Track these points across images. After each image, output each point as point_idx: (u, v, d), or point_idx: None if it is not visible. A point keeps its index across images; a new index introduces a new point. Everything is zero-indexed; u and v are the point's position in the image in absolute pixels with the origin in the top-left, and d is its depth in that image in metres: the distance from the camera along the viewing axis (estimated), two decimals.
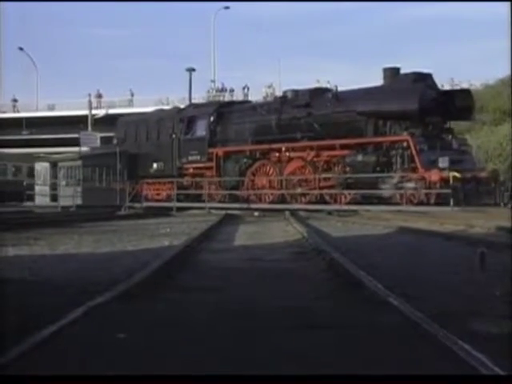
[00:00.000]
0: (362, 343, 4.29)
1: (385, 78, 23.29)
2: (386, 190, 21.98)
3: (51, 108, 64.22)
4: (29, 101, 66.46)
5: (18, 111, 63.59)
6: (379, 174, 21.87)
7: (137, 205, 29.54)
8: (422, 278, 7.14)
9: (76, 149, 46.52)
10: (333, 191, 23.44)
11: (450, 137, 22.90)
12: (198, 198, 28.27)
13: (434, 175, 20.57)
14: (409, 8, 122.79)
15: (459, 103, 22.66)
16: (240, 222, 19.31)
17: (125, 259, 9.02)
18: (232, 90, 58.04)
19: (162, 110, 35.61)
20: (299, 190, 24.67)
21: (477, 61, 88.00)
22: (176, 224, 18.16)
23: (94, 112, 55.17)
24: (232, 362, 3.82)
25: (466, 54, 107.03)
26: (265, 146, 25.86)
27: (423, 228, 14.48)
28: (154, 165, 30.52)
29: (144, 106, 60.10)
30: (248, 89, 55.77)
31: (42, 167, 36.77)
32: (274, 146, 25.44)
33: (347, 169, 23.03)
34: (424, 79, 22.44)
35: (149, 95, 61.56)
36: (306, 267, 8.25)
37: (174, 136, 29.50)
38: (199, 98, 56.11)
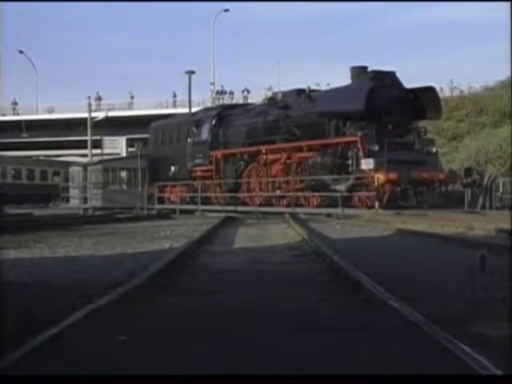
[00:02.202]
0: (362, 346, 4.29)
1: (352, 77, 22.93)
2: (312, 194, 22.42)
3: (51, 111, 64.26)
4: (29, 103, 66.59)
5: (18, 114, 63.62)
6: (326, 176, 21.96)
7: (157, 206, 30.54)
8: (422, 281, 7.14)
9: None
10: (303, 193, 23.66)
11: (414, 137, 22.60)
12: (206, 201, 28.64)
13: (381, 176, 20.50)
14: (409, 11, 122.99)
15: (425, 102, 22.36)
16: (240, 225, 19.31)
17: (125, 262, 9.02)
18: (232, 93, 58.09)
19: (181, 115, 36.61)
20: (278, 193, 24.81)
21: (476, 64, 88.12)
22: (177, 226, 18.16)
23: (93, 115, 55.12)
24: (232, 365, 3.82)
25: (465, 57, 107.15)
26: (253, 149, 26.09)
27: (423, 230, 14.46)
28: (172, 168, 31.38)
29: (144, 109, 60.24)
30: (248, 91, 55.84)
31: (75, 171, 38.36)
32: (261, 148, 25.67)
33: (311, 171, 23.08)
34: (382, 78, 22.02)
35: (149, 98, 61.72)
36: (306, 269, 8.25)
37: (188, 140, 30.04)
38: (199, 100, 56.11)
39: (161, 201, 31.56)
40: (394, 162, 20.88)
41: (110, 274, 7.73)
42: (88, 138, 53.34)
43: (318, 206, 22.82)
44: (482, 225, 14.70)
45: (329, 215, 21.63)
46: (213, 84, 60.47)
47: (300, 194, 23.76)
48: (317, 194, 23.00)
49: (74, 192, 36.93)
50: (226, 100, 55.75)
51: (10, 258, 9.77)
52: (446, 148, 34.85)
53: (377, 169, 20.50)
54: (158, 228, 17.23)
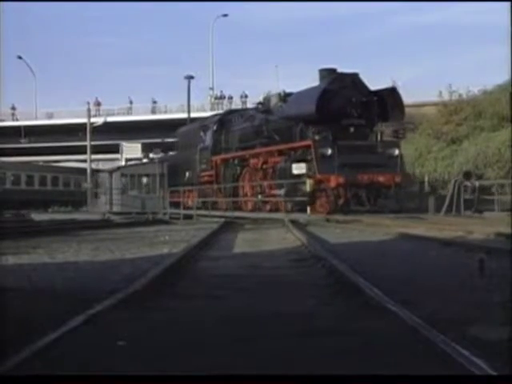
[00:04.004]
0: (361, 349, 4.29)
1: (320, 79, 22.69)
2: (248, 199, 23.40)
3: (50, 116, 64.26)
4: (27, 109, 66.62)
5: (17, 119, 63.60)
6: (273, 181, 22.22)
7: (169, 211, 31.06)
8: (421, 284, 7.14)
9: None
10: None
11: (377, 140, 22.42)
12: (212, 206, 28.91)
13: (332, 180, 20.48)
14: (408, 14, 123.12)
15: (388, 103, 22.14)
16: (239, 229, 19.31)
17: (124, 267, 9.02)
18: (230, 98, 58.12)
19: (199, 120, 37.41)
20: (259, 198, 24.95)
21: (475, 67, 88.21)
22: (176, 231, 18.16)
23: (92, 120, 55.21)
24: (232, 369, 3.82)
25: (464, 60, 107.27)
26: (242, 154, 26.32)
27: (422, 234, 14.46)
28: (187, 173, 32.02)
29: (142, 114, 60.30)
30: (246, 96, 55.87)
31: (103, 177, 40.14)
32: (246, 153, 25.87)
33: (279, 175, 23.18)
34: (341, 80, 21.81)
35: (148, 103, 61.75)
36: (305, 274, 8.25)
37: (198, 145, 30.44)
38: (198, 105, 56.20)
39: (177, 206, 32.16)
40: (350, 166, 20.81)
41: (109, 279, 7.73)
42: (87, 143, 53.45)
43: (290, 211, 22.81)
44: (481, 228, 14.70)
45: (328, 220, 21.65)
46: (212, 89, 60.56)
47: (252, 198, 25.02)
48: (255, 199, 24.02)
49: (101, 197, 38.47)
50: (225, 105, 55.82)
51: (9, 263, 9.77)
52: (446, 152, 34.88)
53: (329, 172, 20.57)
54: (158, 233, 17.24)
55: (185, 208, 30.88)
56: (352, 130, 21.60)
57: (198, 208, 30.07)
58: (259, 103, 27.90)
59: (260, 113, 25.57)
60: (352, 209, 20.89)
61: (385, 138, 23.03)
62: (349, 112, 21.43)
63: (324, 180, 20.73)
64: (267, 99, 26.28)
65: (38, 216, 31.42)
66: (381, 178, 21.15)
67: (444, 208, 23.63)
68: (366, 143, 22.01)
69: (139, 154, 48.58)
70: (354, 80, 22.08)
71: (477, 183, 26.08)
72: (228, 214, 25.67)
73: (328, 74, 22.27)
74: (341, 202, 20.97)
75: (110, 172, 38.98)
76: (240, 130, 27.10)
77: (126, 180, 36.58)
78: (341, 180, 20.38)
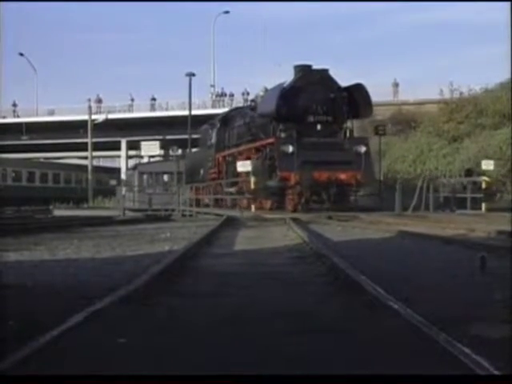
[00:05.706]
0: (362, 347, 4.28)
1: (295, 75, 22.57)
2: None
3: (51, 113, 64.25)
4: (29, 106, 66.61)
5: (18, 116, 63.57)
6: (223, 180, 22.43)
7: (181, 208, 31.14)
8: (422, 282, 7.14)
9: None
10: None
11: (345, 137, 22.25)
12: (222, 203, 29.15)
13: (292, 178, 20.52)
14: (409, 13, 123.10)
15: (357, 99, 22.01)
16: (240, 227, 19.29)
17: (125, 264, 9.01)
18: (232, 95, 58.08)
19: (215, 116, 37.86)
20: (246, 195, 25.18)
21: (476, 65, 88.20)
22: (177, 229, 18.15)
23: (93, 117, 55.27)
24: (231, 367, 3.82)
25: (465, 58, 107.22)
26: (233, 151, 26.47)
27: (424, 232, 14.46)
28: (201, 171, 32.43)
29: (143, 111, 60.28)
30: (248, 94, 55.82)
31: (127, 174, 40.92)
32: (234, 151, 26.08)
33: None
34: (309, 76, 21.68)
35: (149, 100, 61.67)
36: (306, 271, 8.24)
37: (208, 143, 30.73)
38: (199, 102, 56.17)
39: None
40: (311, 164, 20.80)
41: (110, 276, 7.73)
42: (88, 140, 53.54)
43: (270, 209, 22.81)
44: (482, 226, 14.70)
45: (330, 217, 21.64)
46: (213, 86, 60.50)
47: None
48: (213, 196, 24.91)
49: (127, 195, 39.22)
50: (227, 102, 55.79)
51: (10, 260, 9.77)
52: (447, 149, 34.88)
53: (289, 170, 20.64)
54: (159, 230, 17.23)
55: (205, 205, 31.09)
56: (319, 127, 21.50)
57: (206, 205, 30.26)
58: (251, 101, 28.16)
59: (250, 110, 25.79)
60: (312, 207, 21.03)
61: (356, 135, 23.01)
62: (314, 109, 21.33)
63: (287, 178, 20.83)
64: (257, 96, 26.55)
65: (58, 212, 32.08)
66: (342, 176, 21.10)
67: (412, 205, 23.68)
68: (331, 140, 21.87)
69: (157, 152, 48.71)
70: (322, 76, 21.87)
71: (452, 180, 26.11)
72: (214, 210, 25.98)
73: (300, 71, 22.15)
74: (303, 199, 21.11)
75: (133, 170, 39.62)
76: (237, 128, 27.29)
77: (144, 177, 37.01)
78: (297, 178, 20.45)
